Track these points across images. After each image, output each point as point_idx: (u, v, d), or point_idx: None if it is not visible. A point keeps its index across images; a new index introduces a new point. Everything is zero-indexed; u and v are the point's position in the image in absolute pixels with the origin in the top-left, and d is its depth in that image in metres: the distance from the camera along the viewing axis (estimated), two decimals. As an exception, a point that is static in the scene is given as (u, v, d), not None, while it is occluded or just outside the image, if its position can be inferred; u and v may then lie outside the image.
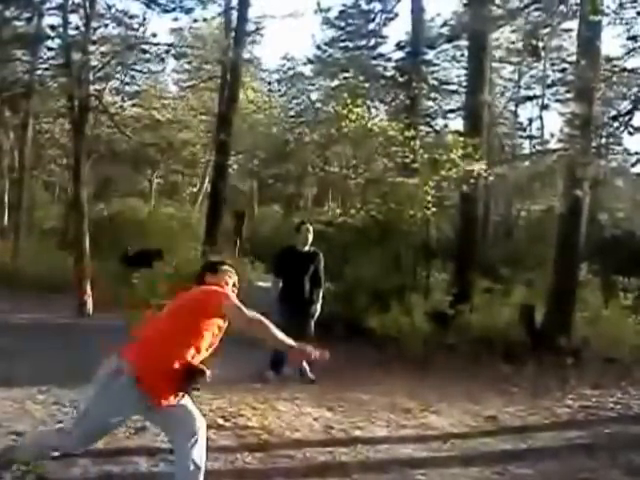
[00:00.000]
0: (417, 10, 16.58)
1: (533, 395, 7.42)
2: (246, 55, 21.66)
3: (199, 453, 3.52)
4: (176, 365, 3.43)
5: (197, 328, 3.48)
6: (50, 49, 14.48)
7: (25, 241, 18.25)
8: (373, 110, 18.63)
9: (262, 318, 3.41)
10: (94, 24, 12.79)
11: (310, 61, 25.49)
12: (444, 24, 21.52)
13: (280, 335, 3.40)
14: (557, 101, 23.37)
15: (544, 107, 24.86)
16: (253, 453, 4.91)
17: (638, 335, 9.79)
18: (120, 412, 3.49)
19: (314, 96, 26.33)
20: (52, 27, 13.79)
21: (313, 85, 26.54)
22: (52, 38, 13.98)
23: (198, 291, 3.62)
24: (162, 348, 3.44)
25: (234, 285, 3.82)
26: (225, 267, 3.87)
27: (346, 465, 4.81)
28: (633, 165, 18.85)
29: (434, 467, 4.88)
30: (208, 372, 3.48)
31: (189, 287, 3.74)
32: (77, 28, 12.70)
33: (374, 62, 23.33)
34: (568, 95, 18.05)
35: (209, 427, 4.87)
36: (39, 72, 14.98)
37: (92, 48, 12.67)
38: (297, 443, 5.25)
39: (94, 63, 12.94)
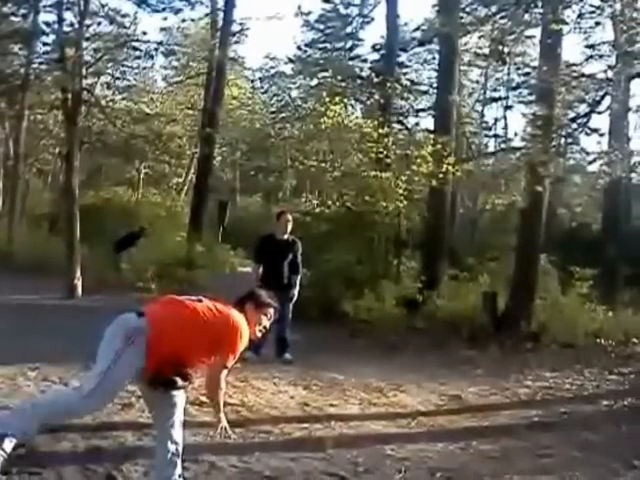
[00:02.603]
0: (392, 15, 16.53)
1: (495, 376, 7.44)
2: (231, 54, 21.49)
3: (178, 430, 3.46)
4: (170, 361, 3.30)
5: (205, 354, 3.38)
6: (45, 44, 14.33)
7: (19, 226, 17.98)
8: (349, 108, 18.58)
9: (222, 387, 3.46)
10: (88, 21, 12.63)
11: (291, 61, 25.40)
12: (417, 29, 21.69)
13: (218, 406, 3.53)
14: (520, 103, 23.53)
15: (508, 108, 24.99)
16: (233, 428, 4.76)
17: (593, 322, 9.89)
18: (136, 372, 3.30)
19: (294, 94, 26.23)
20: (47, 24, 13.66)
21: (294, 83, 26.41)
22: (47, 34, 13.83)
23: (232, 330, 3.37)
24: (176, 339, 3.27)
25: (264, 327, 3.64)
26: (268, 309, 3.64)
27: (321, 440, 4.77)
28: (590, 163, 19.07)
29: (403, 442, 4.86)
30: (180, 383, 3.38)
31: (230, 303, 3.53)
32: (71, 25, 12.57)
33: (351, 63, 23.33)
34: (531, 97, 18.18)
35: (192, 404, 4.83)
36: (34, 66, 14.76)
37: (85, 44, 12.53)
38: (275, 419, 5.20)
39: (87, 58, 12.81)
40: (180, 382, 3.34)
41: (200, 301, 3.45)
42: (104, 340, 3.31)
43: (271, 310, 3.65)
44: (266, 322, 3.63)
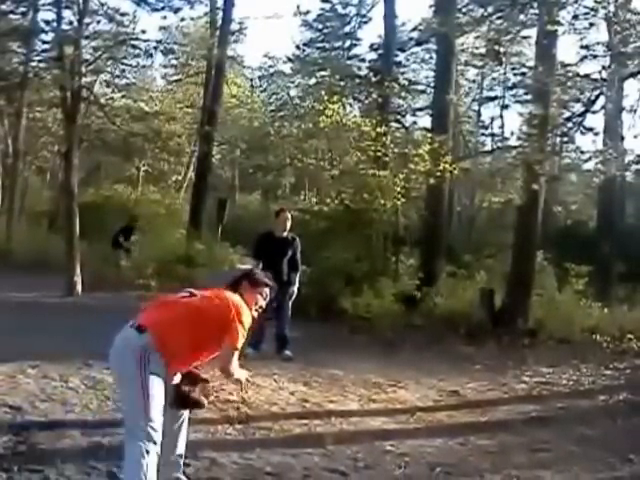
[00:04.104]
0: (389, 15, 16.51)
1: (493, 372, 7.45)
2: (230, 53, 21.39)
3: (184, 431, 3.47)
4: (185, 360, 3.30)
5: (215, 342, 3.33)
6: (44, 42, 14.24)
7: (18, 224, 17.95)
8: (348, 107, 18.55)
9: (234, 371, 3.41)
10: (87, 20, 12.55)
11: (290, 60, 25.31)
12: (414, 29, 21.57)
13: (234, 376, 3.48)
14: (517, 102, 23.44)
15: (505, 107, 24.92)
16: (233, 425, 4.85)
17: (588, 318, 9.91)
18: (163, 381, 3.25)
19: (293, 93, 26.12)
20: (46, 22, 13.55)
21: (292, 82, 26.29)
22: (46, 32, 13.74)
23: (234, 311, 3.31)
24: (184, 338, 3.23)
25: (260, 307, 3.58)
26: (264, 289, 3.58)
27: (321, 436, 4.77)
28: (585, 162, 19.05)
29: (402, 438, 4.86)
30: (205, 402, 3.38)
31: (223, 288, 3.48)
32: (70, 23, 12.47)
33: (349, 62, 23.26)
34: (527, 97, 18.15)
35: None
36: (33, 64, 14.67)
37: (84, 42, 12.46)
38: (275, 416, 5.19)
39: (86, 57, 12.74)
40: (206, 401, 3.35)
41: (192, 294, 3.39)
42: (118, 367, 3.24)
43: (266, 289, 3.59)
44: (262, 302, 3.57)
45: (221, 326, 3.30)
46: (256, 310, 3.55)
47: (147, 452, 3.05)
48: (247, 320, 3.37)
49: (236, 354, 3.36)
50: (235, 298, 3.39)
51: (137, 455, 3.05)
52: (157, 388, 3.12)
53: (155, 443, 3.08)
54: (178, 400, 3.31)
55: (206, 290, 3.50)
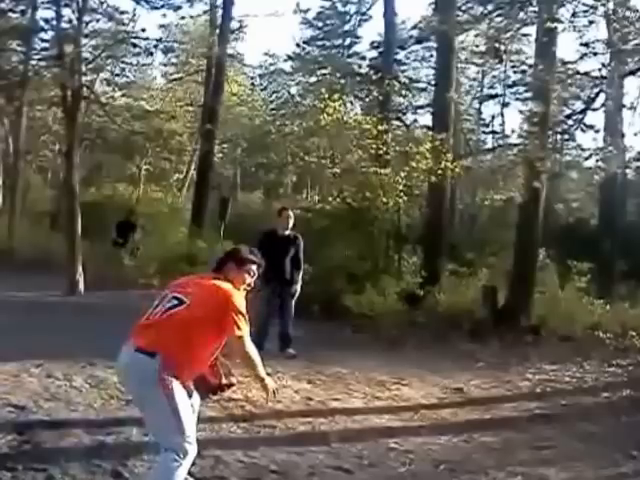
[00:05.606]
0: (389, 13, 16.53)
1: (496, 369, 7.45)
2: (230, 51, 21.35)
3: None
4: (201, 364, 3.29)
5: (216, 335, 3.26)
6: (44, 41, 14.22)
7: (19, 223, 17.94)
8: (348, 105, 18.53)
9: (253, 355, 3.33)
10: (86, 18, 12.55)
11: (290, 58, 25.39)
12: (414, 27, 21.63)
13: (259, 371, 3.39)
14: (517, 100, 23.47)
15: (505, 105, 24.92)
16: (238, 423, 4.85)
17: (591, 315, 9.91)
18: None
19: (294, 91, 26.17)
20: (46, 20, 13.54)
21: (293, 80, 26.35)
22: (46, 30, 13.73)
23: (224, 301, 3.22)
24: (187, 350, 3.17)
25: (248, 285, 3.47)
26: (251, 266, 3.47)
27: (325, 434, 4.78)
28: (586, 159, 19.06)
29: (406, 435, 4.87)
30: (234, 380, 3.38)
31: (208, 277, 3.38)
32: (70, 21, 12.43)
33: (349, 60, 23.33)
34: (527, 95, 18.18)
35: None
36: (33, 62, 14.65)
37: (84, 41, 12.45)
38: (279, 414, 5.19)
39: (86, 55, 12.72)
40: (234, 379, 3.36)
41: (180, 301, 3.23)
42: (139, 394, 3.20)
43: (253, 266, 3.48)
44: (250, 280, 3.47)
45: (219, 323, 3.22)
46: (245, 289, 3.45)
47: (180, 465, 3.07)
48: (241, 305, 3.27)
49: (246, 339, 3.27)
50: (223, 286, 3.27)
51: (171, 468, 3.07)
52: (184, 403, 3.12)
53: (191, 455, 3.12)
54: (212, 392, 3.32)
55: (193, 281, 3.39)
